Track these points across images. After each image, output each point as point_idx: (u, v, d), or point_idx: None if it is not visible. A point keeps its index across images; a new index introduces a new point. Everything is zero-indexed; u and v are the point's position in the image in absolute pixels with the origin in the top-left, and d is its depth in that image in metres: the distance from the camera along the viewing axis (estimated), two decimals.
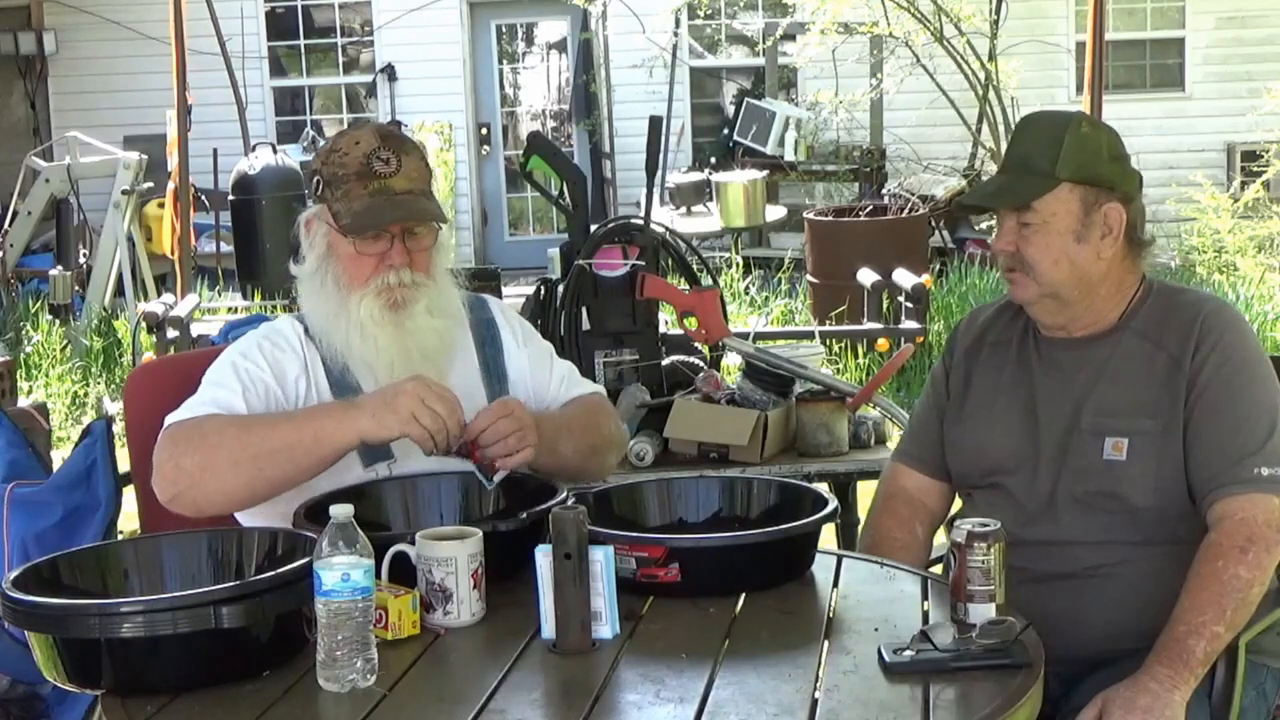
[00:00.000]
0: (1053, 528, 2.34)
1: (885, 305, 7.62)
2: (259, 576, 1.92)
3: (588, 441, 2.49)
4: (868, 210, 9.20)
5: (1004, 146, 9.78)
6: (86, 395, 7.78)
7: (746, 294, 9.20)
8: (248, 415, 2.30)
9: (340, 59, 13.44)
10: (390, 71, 12.88)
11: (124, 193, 9.31)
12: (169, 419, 2.32)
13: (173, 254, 8.53)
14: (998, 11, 10.59)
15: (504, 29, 13.40)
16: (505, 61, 13.52)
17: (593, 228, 4.23)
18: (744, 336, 4.29)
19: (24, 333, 8.49)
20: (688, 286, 4.29)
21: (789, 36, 11.40)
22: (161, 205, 9.97)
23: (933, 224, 9.84)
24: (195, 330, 6.96)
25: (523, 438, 2.26)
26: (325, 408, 2.33)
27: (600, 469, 2.56)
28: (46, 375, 7.86)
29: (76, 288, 9.39)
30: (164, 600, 1.86)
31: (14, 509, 3.09)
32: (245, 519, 2.34)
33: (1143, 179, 2.43)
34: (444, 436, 2.20)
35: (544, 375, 2.57)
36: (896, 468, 2.62)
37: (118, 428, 3.56)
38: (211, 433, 2.26)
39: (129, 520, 3.02)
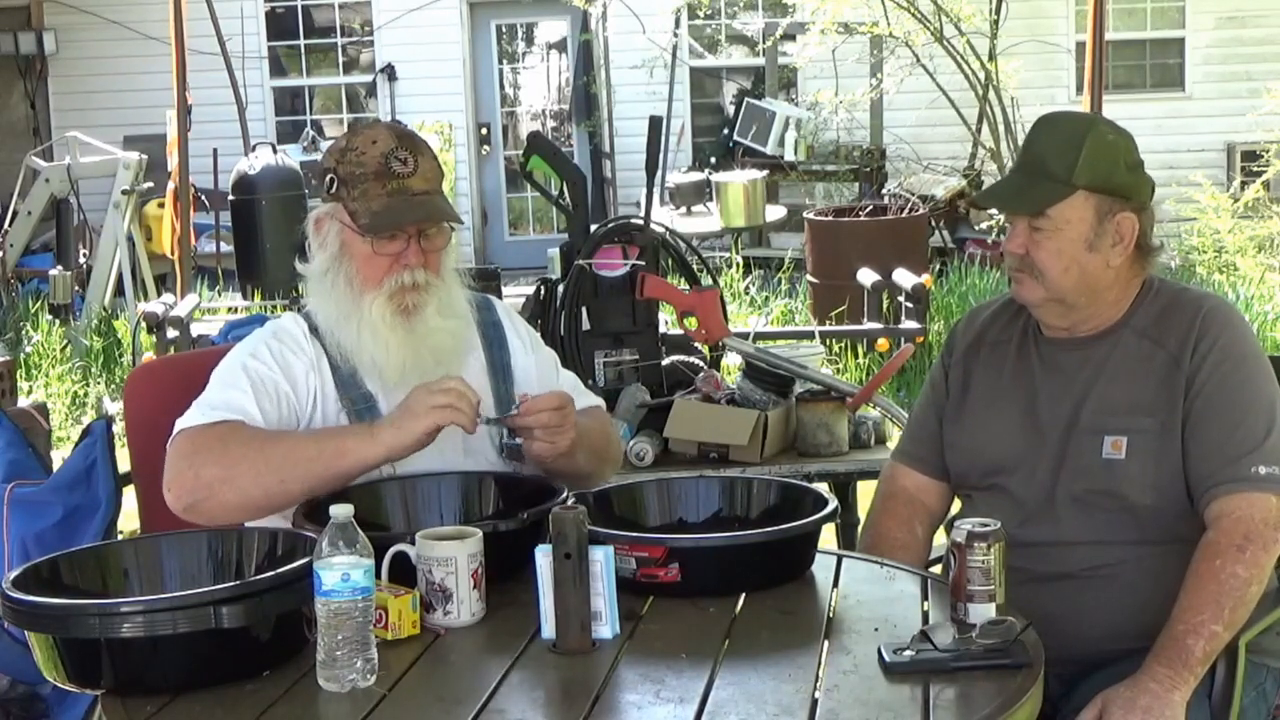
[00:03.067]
0: (1052, 527, 2.34)
1: (885, 305, 7.62)
2: (259, 576, 1.93)
3: (599, 455, 2.53)
4: (868, 210, 9.20)
5: (1004, 146, 9.84)
6: (86, 395, 7.77)
7: (746, 294, 9.20)
8: (268, 430, 2.30)
9: (340, 59, 13.43)
10: (390, 71, 12.87)
11: (124, 193, 9.31)
12: (180, 424, 2.30)
13: (173, 254, 8.54)
14: (998, 11, 10.58)
15: (504, 29, 13.40)
16: (505, 61, 13.52)
17: (593, 228, 4.23)
18: (744, 336, 4.29)
19: (24, 333, 8.49)
20: (688, 286, 4.29)
21: (789, 36, 11.39)
22: (161, 205, 9.97)
23: (933, 224, 9.84)
24: (195, 330, 6.96)
25: (558, 434, 2.31)
26: (349, 427, 2.34)
27: (599, 480, 2.58)
28: (46, 375, 7.86)
29: (76, 288, 9.40)
30: (164, 600, 1.86)
31: (14, 509, 3.09)
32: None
33: (1155, 185, 2.42)
34: (467, 402, 2.22)
35: (551, 384, 2.58)
36: (896, 467, 2.63)
37: (118, 428, 3.56)
38: (234, 444, 2.25)
39: (129, 520, 3.02)
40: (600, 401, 2.68)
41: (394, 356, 2.36)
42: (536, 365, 2.58)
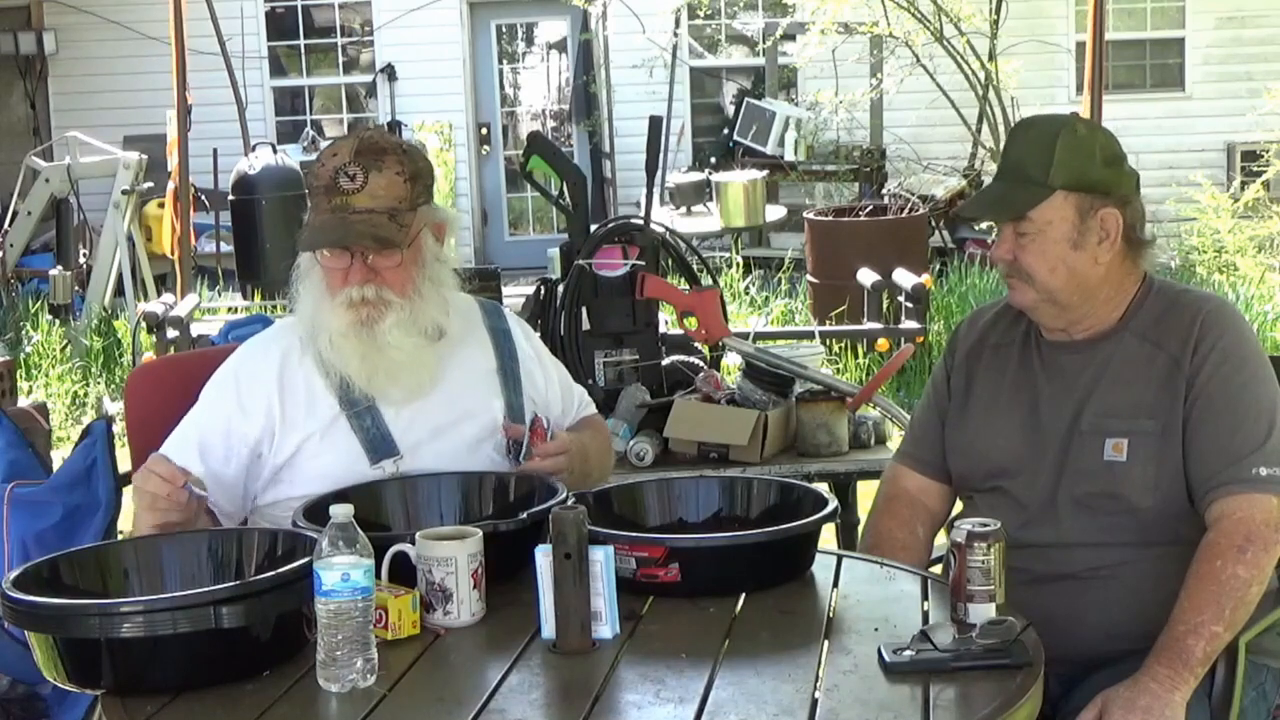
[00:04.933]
0: (1053, 529, 2.34)
1: (885, 305, 7.62)
2: (259, 576, 1.93)
3: (595, 474, 2.60)
4: (868, 210, 9.20)
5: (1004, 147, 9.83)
6: (86, 395, 7.78)
7: (746, 294, 9.20)
8: None
9: (340, 59, 13.43)
10: (390, 71, 12.87)
11: (124, 193, 9.31)
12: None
13: (173, 254, 8.54)
14: (998, 11, 10.58)
15: (504, 29, 13.40)
16: (505, 61, 13.52)
17: (593, 228, 4.23)
18: (744, 336, 4.29)
19: (24, 333, 8.49)
20: (688, 286, 4.29)
21: (789, 36, 11.40)
22: (161, 205, 9.97)
23: (933, 224, 9.84)
24: (195, 330, 6.96)
25: (553, 468, 2.41)
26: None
27: (590, 487, 2.60)
28: (46, 375, 7.86)
29: (76, 288, 9.39)
30: (164, 600, 1.87)
31: (14, 509, 3.09)
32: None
33: (1140, 178, 2.42)
34: (164, 499, 2.19)
35: (570, 400, 2.69)
36: (898, 469, 2.63)
37: (118, 428, 3.56)
38: None
39: (129, 520, 3.01)
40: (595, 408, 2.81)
41: (352, 367, 2.38)
42: (559, 382, 2.66)
